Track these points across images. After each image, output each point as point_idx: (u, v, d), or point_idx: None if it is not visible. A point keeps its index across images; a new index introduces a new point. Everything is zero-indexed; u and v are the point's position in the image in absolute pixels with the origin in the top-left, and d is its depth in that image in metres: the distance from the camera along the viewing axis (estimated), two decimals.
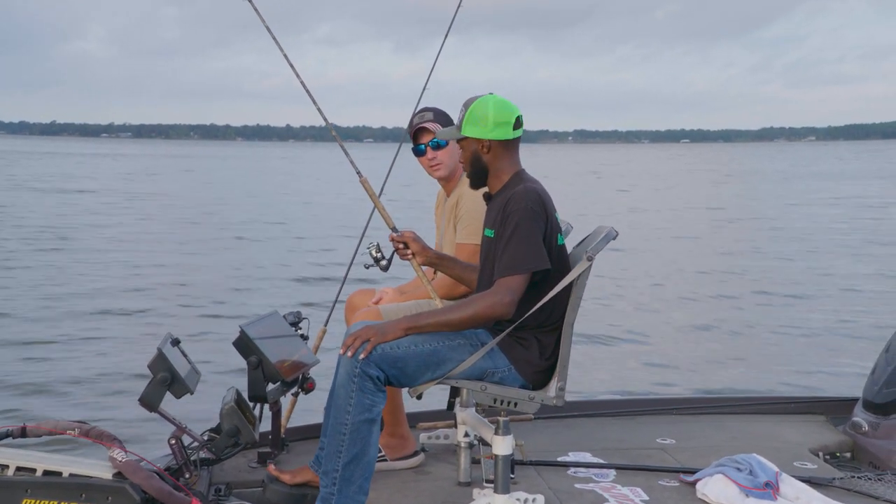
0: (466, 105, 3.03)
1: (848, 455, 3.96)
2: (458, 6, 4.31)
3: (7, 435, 3.05)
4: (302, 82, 3.57)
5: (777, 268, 14.27)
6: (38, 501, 2.88)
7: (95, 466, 2.95)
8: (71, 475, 2.92)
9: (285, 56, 3.58)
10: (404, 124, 3.84)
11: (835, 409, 4.37)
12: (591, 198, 29.94)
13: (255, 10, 3.61)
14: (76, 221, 20.74)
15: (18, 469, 2.93)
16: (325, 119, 3.63)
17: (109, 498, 2.87)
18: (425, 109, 3.72)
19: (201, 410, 4.33)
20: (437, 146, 3.62)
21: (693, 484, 3.35)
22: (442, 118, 3.67)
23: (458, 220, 3.57)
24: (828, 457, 3.88)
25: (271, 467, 3.34)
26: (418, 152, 3.67)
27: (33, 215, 21.68)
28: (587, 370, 7.55)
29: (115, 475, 2.91)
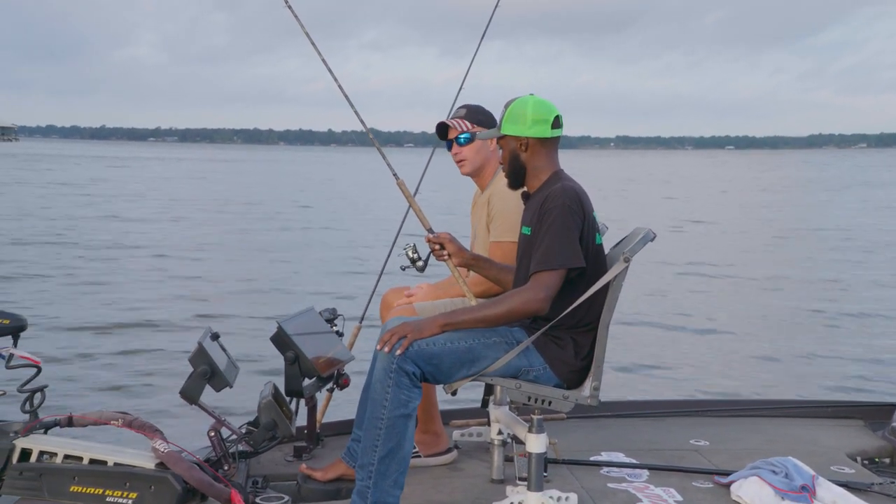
0: (507, 105, 3.07)
1: (887, 461, 3.89)
2: (493, 10, 4.34)
3: (55, 424, 3.16)
4: (340, 86, 3.61)
5: (828, 274, 14.10)
6: (84, 489, 2.98)
7: (139, 456, 3.04)
8: (115, 464, 3.01)
9: (323, 59, 3.62)
10: None
11: (874, 414, 4.32)
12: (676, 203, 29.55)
13: (294, 14, 3.66)
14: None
15: (66, 457, 3.03)
16: (363, 123, 3.67)
17: (152, 487, 2.95)
18: (462, 106, 3.75)
19: (237, 403, 4.41)
20: (468, 141, 3.62)
21: (727, 486, 3.34)
22: (475, 115, 3.68)
23: (490, 220, 3.58)
24: (866, 462, 3.82)
25: (303, 467, 3.39)
26: (448, 148, 3.72)
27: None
28: (622, 369, 7.52)
29: (157, 465, 2.99)
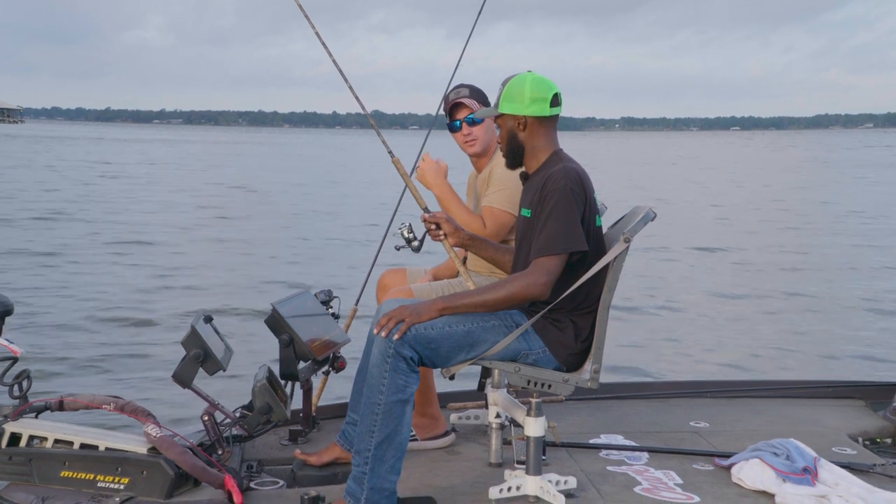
0: (504, 83, 3.01)
1: (889, 441, 3.87)
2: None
3: (46, 408, 3.11)
4: (338, 67, 3.54)
5: (828, 250, 14.03)
6: (75, 474, 2.94)
7: (131, 441, 3.00)
8: (107, 449, 2.97)
9: (320, 39, 3.56)
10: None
11: (875, 393, 4.29)
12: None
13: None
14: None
15: (57, 442, 2.99)
16: (361, 103, 3.61)
17: (144, 472, 2.91)
18: (461, 86, 3.69)
19: (233, 386, 4.36)
20: (473, 122, 3.60)
21: (728, 468, 3.31)
22: (476, 95, 3.64)
23: (488, 187, 3.54)
24: (868, 442, 3.80)
25: (297, 452, 3.35)
26: (453, 128, 3.65)
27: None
28: (620, 351, 7.47)
29: (149, 450, 2.95)
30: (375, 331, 2.75)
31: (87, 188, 25.23)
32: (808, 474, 3.13)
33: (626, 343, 7.88)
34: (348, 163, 47.53)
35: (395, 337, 2.70)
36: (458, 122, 3.62)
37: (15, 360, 3.03)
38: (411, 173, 3.65)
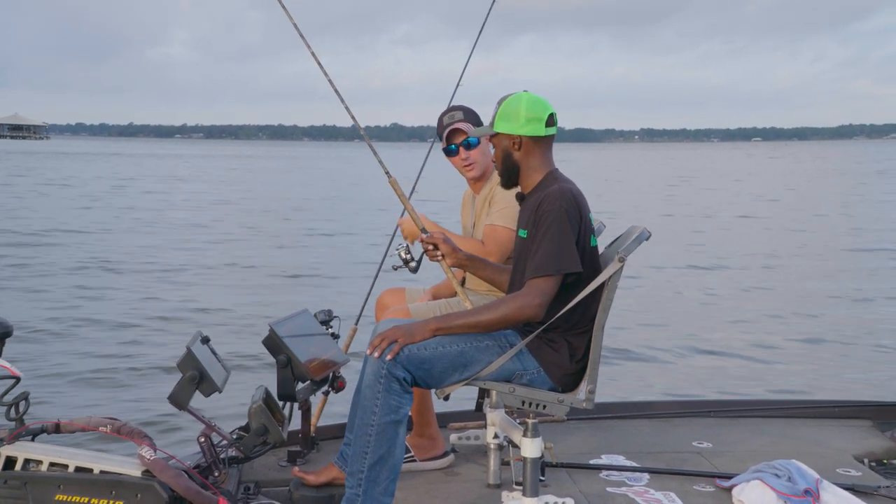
0: (500, 102, 3.00)
1: None
2: (491, 5, 4.29)
3: (42, 431, 3.11)
4: (330, 80, 3.56)
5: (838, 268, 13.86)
6: (70, 497, 2.93)
7: (125, 464, 2.99)
8: (101, 472, 2.96)
9: (313, 54, 3.57)
10: None
11: (881, 413, 4.23)
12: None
13: (283, 6, 3.62)
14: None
15: (52, 465, 2.98)
16: (356, 121, 3.62)
17: (138, 495, 2.90)
18: (454, 108, 3.68)
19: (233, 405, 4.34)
20: (469, 145, 3.59)
21: (729, 490, 3.27)
22: (471, 116, 3.64)
23: (490, 206, 3.52)
24: (873, 464, 3.73)
25: (296, 470, 3.34)
26: (450, 152, 3.65)
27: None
28: (622, 371, 7.41)
29: (143, 473, 2.94)
30: (368, 351, 2.74)
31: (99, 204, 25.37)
32: (809, 496, 3.09)
33: (626, 361, 7.81)
34: (353, 177, 47.57)
35: (388, 357, 2.69)
36: (454, 147, 3.61)
37: (17, 380, 3.03)
38: (411, 192, 3.64)
